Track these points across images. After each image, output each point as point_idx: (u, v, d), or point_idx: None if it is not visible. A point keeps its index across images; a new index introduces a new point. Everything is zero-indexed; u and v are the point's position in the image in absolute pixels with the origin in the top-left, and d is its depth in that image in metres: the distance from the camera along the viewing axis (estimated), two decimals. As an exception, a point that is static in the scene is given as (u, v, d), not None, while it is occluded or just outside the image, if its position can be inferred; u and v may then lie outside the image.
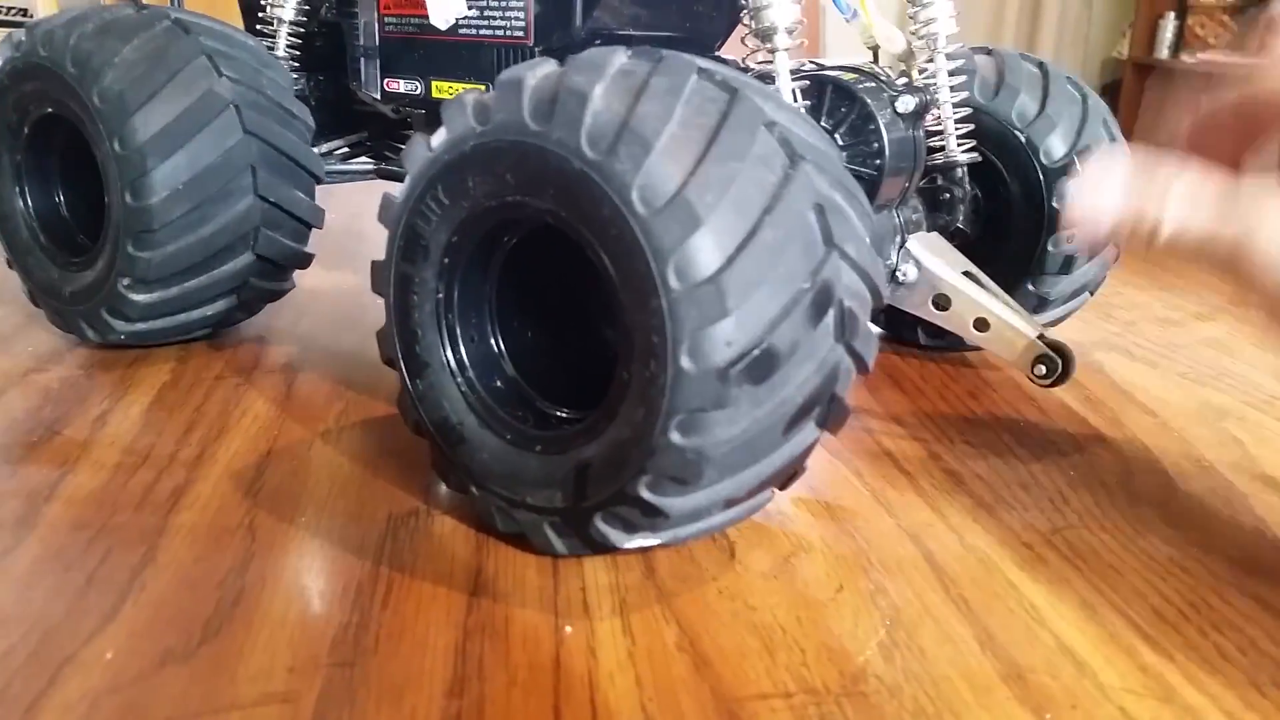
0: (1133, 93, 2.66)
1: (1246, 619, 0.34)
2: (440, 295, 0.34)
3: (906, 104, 0.45)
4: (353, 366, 0.50)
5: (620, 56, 0.31)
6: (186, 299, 0.50)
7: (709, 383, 0.28)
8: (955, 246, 0.51)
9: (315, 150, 0.55)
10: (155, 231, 0.48)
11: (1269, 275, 0.28)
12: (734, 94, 0.30)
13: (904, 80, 0.50)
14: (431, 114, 0.55)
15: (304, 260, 0.54)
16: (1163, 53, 2.63)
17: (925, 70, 0.50)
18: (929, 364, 0.56)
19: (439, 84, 0.52)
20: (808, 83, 0.46)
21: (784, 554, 0.36)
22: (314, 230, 0.53)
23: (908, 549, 0.37)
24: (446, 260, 0.34)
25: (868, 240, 0.31)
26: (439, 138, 0.33)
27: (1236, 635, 0.33)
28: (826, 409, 0.31)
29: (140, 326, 0.50)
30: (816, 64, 0.48)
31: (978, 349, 0.52)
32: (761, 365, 0.28)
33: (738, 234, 0.27)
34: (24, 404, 0.45)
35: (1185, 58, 2.59)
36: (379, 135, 0.63)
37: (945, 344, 0.56)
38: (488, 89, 0.48)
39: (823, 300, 0.29)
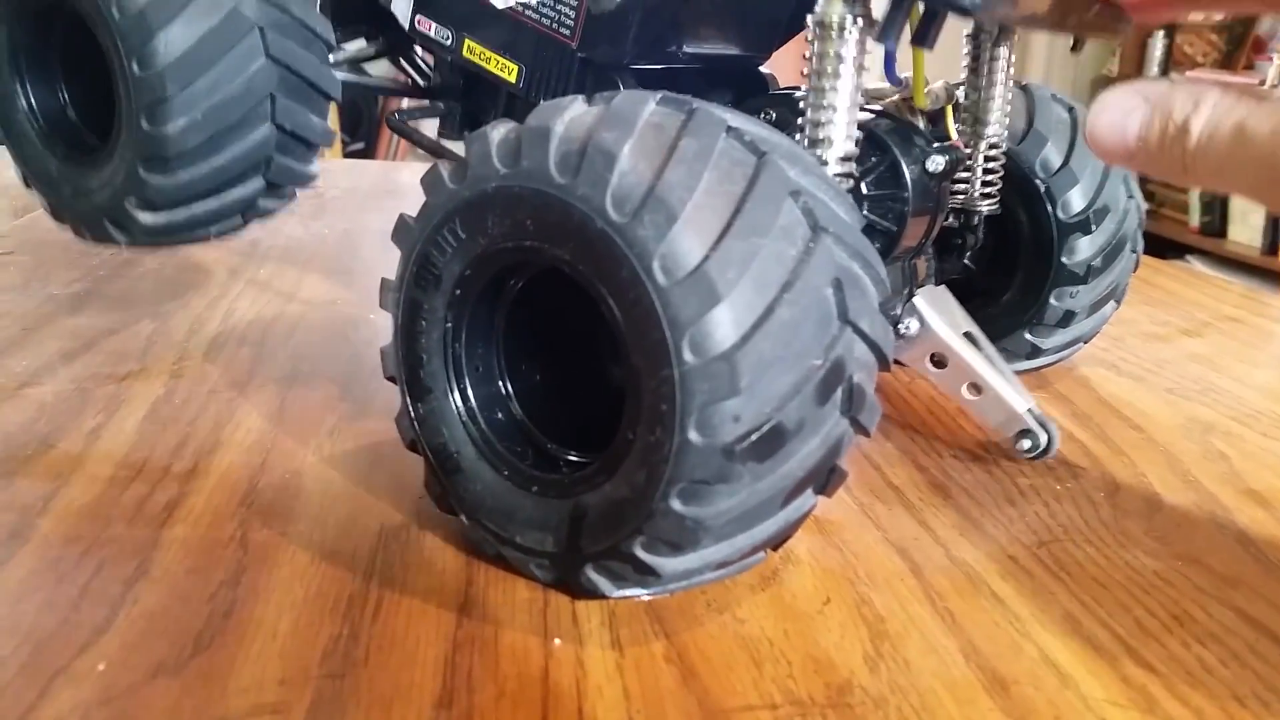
0: (1124, 109, 2.67)
1: (1229, 631, 0.34)
2: (449, 325, 0.35)
3: (937, 164, 0.43)
4: (346, 382, 0.51)
5: (649, 105, 0.30)
6: (192, 221, 0.49)
7: (713, 457, 0.28)
8: (959, 283, 0.51)
9: (332, 59, 0.53)
10: (170, 159, 0.46)
11: None
12: (762, 158, 0.30)
13: (932, 123, 0.48)
14: (454, 73, 0.52)
15: (309, 179, 0.53)
16: (1153, 70, 2.65)
17: (965, 114, 0.48)
18: (919, 378, 0.56)
19: (472, 44, 0.49)
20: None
21: (772, 567, 0.37)
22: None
23: (894, 562, 0.37)
24: (458, 292, 0.34)
25: (879, 309, 0.31)
26: (460, 173, 0.33)
27: (1219, 648, 0.33)
28: (826, 478, 0.31)
29: (141, 240, 0.49)
30: None
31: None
32: (768, 442, 0.28)
33: (755, 311, 0.27)
34: (18, 418, 0.45)
35: (1174, 76, 2.62)
36: (402, 43, 0.58)
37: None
38: (519, 70, 0.47)
39: (833, 378, 0.29)
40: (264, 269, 0.70)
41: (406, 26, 0.52)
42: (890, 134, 0.44)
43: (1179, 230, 2.54)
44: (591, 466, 0.32)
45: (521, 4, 0.46)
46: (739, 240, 0.28)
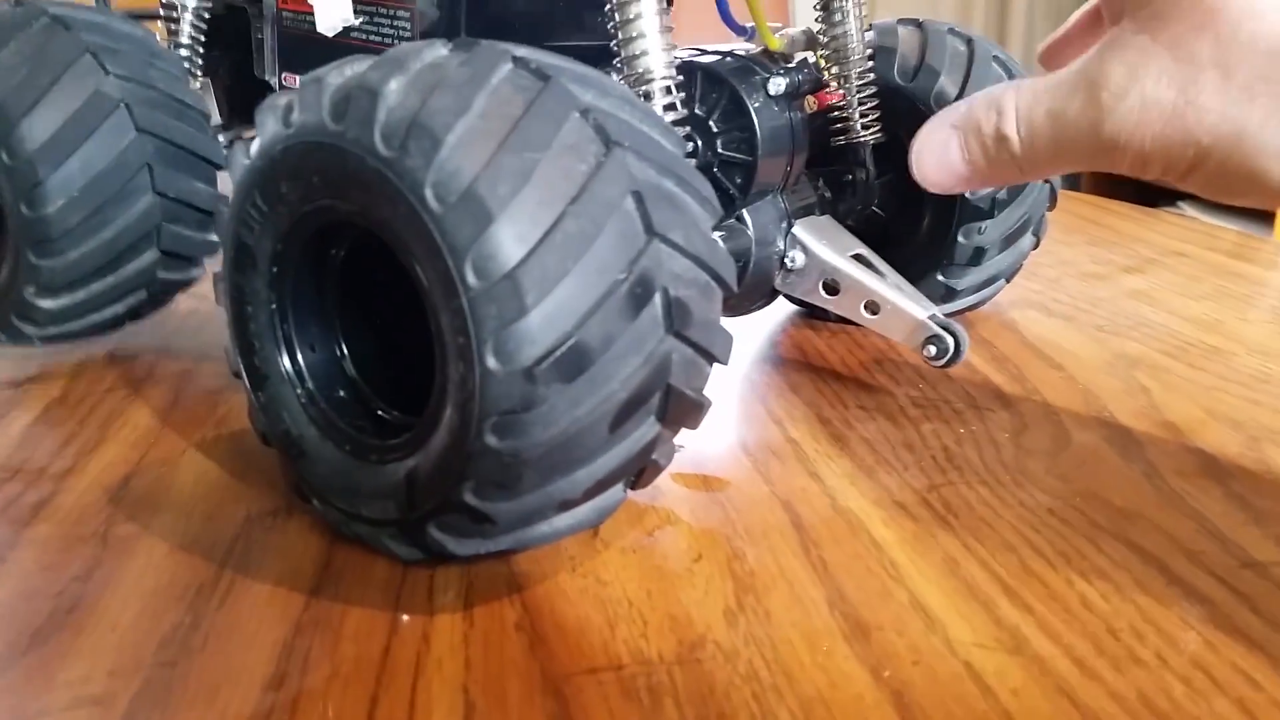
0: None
1: (1116, 565, 0.33)
2: (273, 305, 0.34)
3: (778, 86, 0.44)
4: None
5: (436, 50, 0.29)
6: (95, 300, 0.50)
7: (516, 383, 0.27)
8: (871, 232, 0.50)
9: (221, 136, 0.54)
10: (55, 240, 0.47)
11: (1136, 127, 0.26)
12: (546, 81, 0.29)
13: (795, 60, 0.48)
14: None
15: (210, 248, 0.53)
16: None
17: (828, 52, 0.49)
18: (840, 334, 0.55)
19: None
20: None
21: (648, 529, 0.35)
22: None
23: (777, 515, 0.36)
24: (275, 269, 0.33)
25: (705, 227, 0.30)
26: (253, 143, 0.32)
27: (1103, 583, 0.32)
28: (664, 402, 0.30)
29: (52, 330, 0.50)
30: (699, 50, 0.47)
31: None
32: (571, 362, 0.27)
33: (538, 226, 0.26)
34: (-92, 429, 0.45)
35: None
36: None
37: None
38: None
39: (641, 290, 0.28)
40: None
41: (278, 88, 0.53)
42: (728, 69, 0.44)
43: (1171, 177, 2.50)
44: (420, 424, 0.31)
45: (348, 28, 0.47)
46: (512, 156, 0.27)
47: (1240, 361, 0.50)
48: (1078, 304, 0.59)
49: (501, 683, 0.28)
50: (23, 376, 0.50)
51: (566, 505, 0.30)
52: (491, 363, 0.26)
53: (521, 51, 0.30)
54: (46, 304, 0.49)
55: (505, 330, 0.26)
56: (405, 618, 0.31)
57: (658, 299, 0.28)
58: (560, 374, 0.27)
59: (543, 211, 0.26)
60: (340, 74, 0.29)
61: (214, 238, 0.53)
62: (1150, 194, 2.41)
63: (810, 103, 0.48)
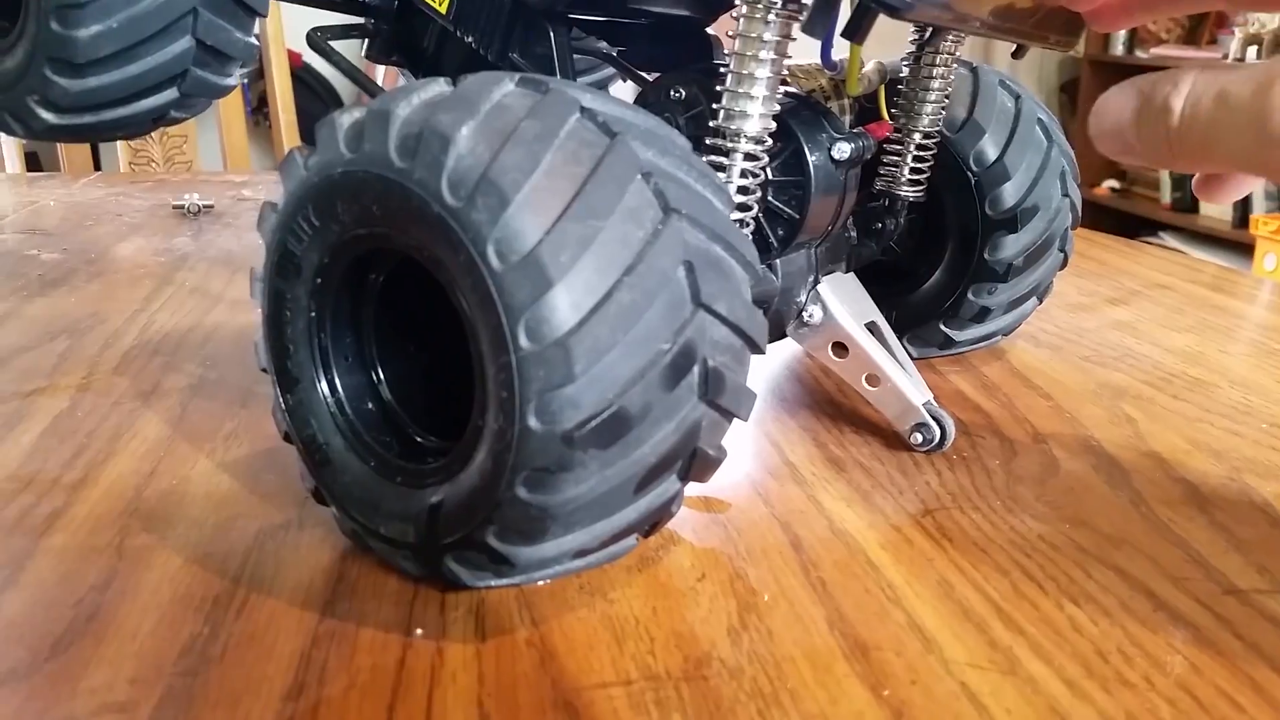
0: (1091, 90, 2.68)
1: (1104, 590, 0.34)
2: (313, 314, 0.34)
3: (842, 151, 0.43)
4: (250, 387, 0.50)
5: (504, 87, 0.30)
6: (103, 126, 0.50)
7: (554, 444, 0.27)
8: (883, 264, 0.50)
9: None
10: (79, 65, 0.46)
11: None
12: (613, 139, 0.29)
13: (869, 103, 0.47)
14: None
15: (224, 92, 0.53)
16: (1117, 49, 2.65)
17: (901, 94, 0.48)
18: (835, 359, 0.56)
19: None
20: None
21: (654, 547, 0.36)
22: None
23: (776, 536, 0.37)
24: (319, 280, 0.34)
25: (746, 292, 0.31)
26: (310, 159, 0.32)
27: (1092, 606, 0.33)
28: (688, 463, 0.31)
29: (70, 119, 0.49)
30: None
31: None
32: (610, 428, 0.28)
33: (594, 295, 0.27)
34: (-82, 438, 0.45)
35: (1139, 53, 2.62)
36: None
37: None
38: (451, 2, 0.46)
39: (683, 361, 0.29)
40: (190, 281, 0.70)
41: None
42: (796, 119, 0.43)
43: (1151, 208, 2.55)
44: (449, 456, 0.32)
45: None
46: (576, 223, 0.27)
47: (1222, 393, 0.52)
48: (1064, 334, 0.60)
49: (514, 696, 0.29)
50: (30, 388, 0.51)
51: (583, 554, 0.31)
52: (533, 422, 0.27)
53: (589, 100, 0.30)
54: (49, 117, 0.48)
55: (550, 394, 0.27)
56: (419, 632, 0.31)
57: (696, 369, 0.29)
58: (597, 440, 0.28)
59: (599, 280, 0.27)
60: (409, 105, 0.30)
61: (232, 81, 0.52)
62: (1133, 226, 2.46)
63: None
